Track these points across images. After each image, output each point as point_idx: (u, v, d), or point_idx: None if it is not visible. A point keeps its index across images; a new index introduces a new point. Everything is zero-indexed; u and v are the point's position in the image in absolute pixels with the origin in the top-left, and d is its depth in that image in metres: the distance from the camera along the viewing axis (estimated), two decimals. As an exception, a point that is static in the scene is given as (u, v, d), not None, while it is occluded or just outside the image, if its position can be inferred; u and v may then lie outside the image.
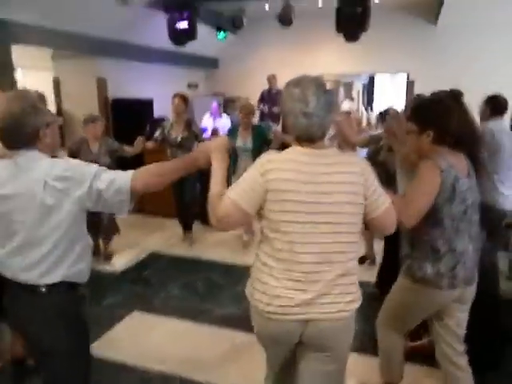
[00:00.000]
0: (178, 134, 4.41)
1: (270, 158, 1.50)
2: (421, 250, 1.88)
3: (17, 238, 1.53)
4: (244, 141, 4.42)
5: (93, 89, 6.28)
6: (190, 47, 6.67)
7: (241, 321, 3.04)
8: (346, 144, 3.72)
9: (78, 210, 1.55)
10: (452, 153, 1.84)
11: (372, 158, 4.15)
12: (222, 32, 7.92)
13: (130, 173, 1.57)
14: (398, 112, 3.44)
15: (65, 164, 1.54)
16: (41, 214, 1.49)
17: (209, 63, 9.10)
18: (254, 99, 8.11)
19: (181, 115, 4.42)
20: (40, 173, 1.49)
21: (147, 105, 6.87)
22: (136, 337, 3.06)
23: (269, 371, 1.82)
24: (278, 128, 7.83)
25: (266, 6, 7.27)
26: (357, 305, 1.56)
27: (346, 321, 1.55)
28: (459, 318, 2.00)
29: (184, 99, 4.42)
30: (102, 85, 6.34)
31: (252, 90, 8.46)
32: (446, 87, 2.03)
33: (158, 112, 7.04)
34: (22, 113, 1.48)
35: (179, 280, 3.97)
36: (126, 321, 3.27)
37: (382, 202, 1.55)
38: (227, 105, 8.50)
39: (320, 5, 7.06)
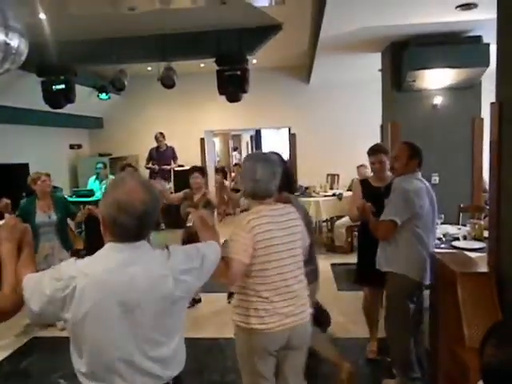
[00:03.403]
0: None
1: (248, 218, 1.92)
2: None
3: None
4: (46, 213, 3.97)
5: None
6: (71, 107, 6.34)
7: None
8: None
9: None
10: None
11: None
12: (104, 93, 7.66)
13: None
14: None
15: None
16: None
17: (93, 123, 8.77)
18: (143, 158, 7.96)
19: None
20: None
21: (21, 170, 6.23)
22: None
23: None
24: (170, 185, 7.71)
25: (149, 67, 7.35)
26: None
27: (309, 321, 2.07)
28: None
29: None
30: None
31: (140, 149, 8.32)
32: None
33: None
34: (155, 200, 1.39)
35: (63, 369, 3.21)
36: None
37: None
38: (114, 165, 8.16)
39: (202, 65, 7.35)
